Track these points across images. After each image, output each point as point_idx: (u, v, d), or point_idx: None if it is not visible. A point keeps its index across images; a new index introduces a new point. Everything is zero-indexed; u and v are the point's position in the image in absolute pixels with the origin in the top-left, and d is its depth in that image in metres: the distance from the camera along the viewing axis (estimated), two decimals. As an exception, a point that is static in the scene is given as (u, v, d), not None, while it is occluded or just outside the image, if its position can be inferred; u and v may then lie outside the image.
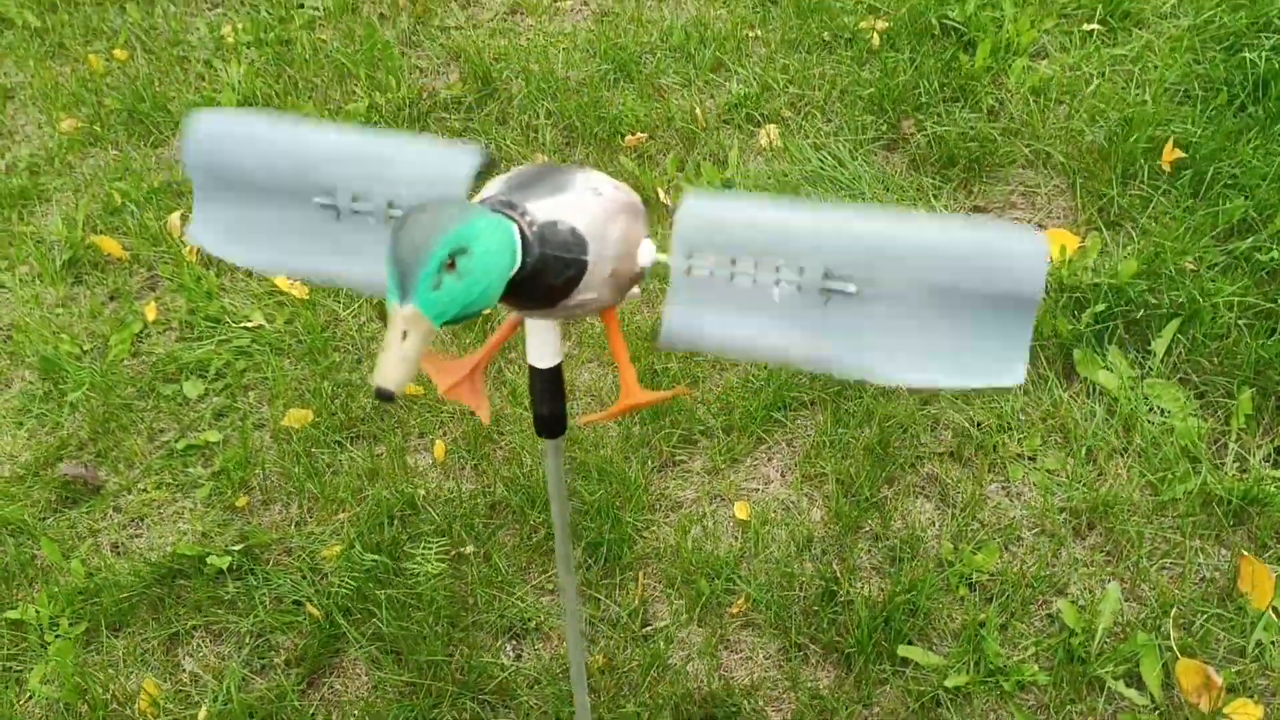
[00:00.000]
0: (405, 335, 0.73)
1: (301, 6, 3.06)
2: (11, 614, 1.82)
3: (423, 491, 1.93)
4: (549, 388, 1.04)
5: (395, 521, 1.90)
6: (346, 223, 0.92)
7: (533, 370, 1.04)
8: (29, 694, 1.75)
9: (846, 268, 0.85)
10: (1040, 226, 2.33)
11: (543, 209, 0.84)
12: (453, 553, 1.85)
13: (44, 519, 1.97)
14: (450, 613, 1.77)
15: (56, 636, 1.79)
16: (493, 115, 2.69)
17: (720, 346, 0.88)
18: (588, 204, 0.87)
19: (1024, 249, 0.84)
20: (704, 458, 1.97)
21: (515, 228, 0.81)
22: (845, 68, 2.71)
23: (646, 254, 0.93)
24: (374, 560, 1.82)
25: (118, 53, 2.96)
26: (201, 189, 0.95)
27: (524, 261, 0.82)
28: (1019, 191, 2.41)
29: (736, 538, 1.86)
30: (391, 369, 0.72)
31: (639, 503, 1.89)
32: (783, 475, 1.95)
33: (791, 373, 2.03)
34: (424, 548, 1.84)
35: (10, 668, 1.78)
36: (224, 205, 0.94)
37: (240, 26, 2.98)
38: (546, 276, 0.84)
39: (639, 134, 2.59)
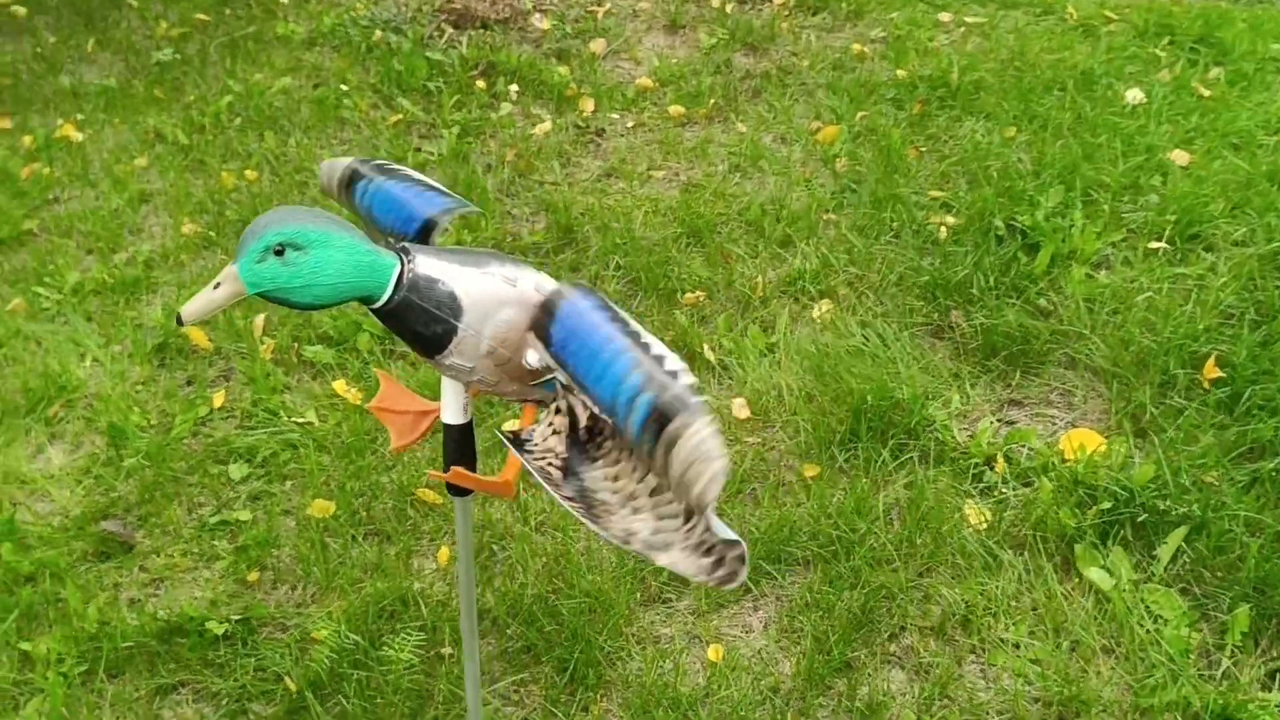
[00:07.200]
0: (218, 286, 0.93)
1: (419, 150, 3.35)
2: (25, 645, 1.96)
3: (418, 586, 2.02)
4: (455, 444, 1.14)
5: (386, 615, 1.99)
6: None
7: (444, 426, 1.14)
8: (21, 722, 1.87)
9: None
10: (1071, 425, 2.35)
11: (432, 267, 0.97)
12: (431, 651, 1.92)
13: (76, 566, 2.13)
14: (414, 705, 1.83)
15: (60, 674, 1.92)
16: (566, 262, 2.87)
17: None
18: (487, 285, 0.99)
19: None
20: (691, 599, 2.02)
21: (396, 269, 0.95)
22: (907, 255, 2.81)
23: (534, 356, 1.02)
24: (353, 641, 1.91)
25: (249, 173, 3.28)
26: None
27: (390, 297, 0.96)
28: (1057, 390, 2.44)
29: (703, 678, 1.88)
30: (194, 304, 0.93)
31: (615, 630, 1.94)
32: (764, 626, 1.97)
33: (788, 527, 2.08)
34: (403, 638, 1.92)
35: (11, 694, 1.91)
36: None
37: (360, 161, 3.28)
38: (412, 320, 0.97)
39: (698, 293, 2.72)
